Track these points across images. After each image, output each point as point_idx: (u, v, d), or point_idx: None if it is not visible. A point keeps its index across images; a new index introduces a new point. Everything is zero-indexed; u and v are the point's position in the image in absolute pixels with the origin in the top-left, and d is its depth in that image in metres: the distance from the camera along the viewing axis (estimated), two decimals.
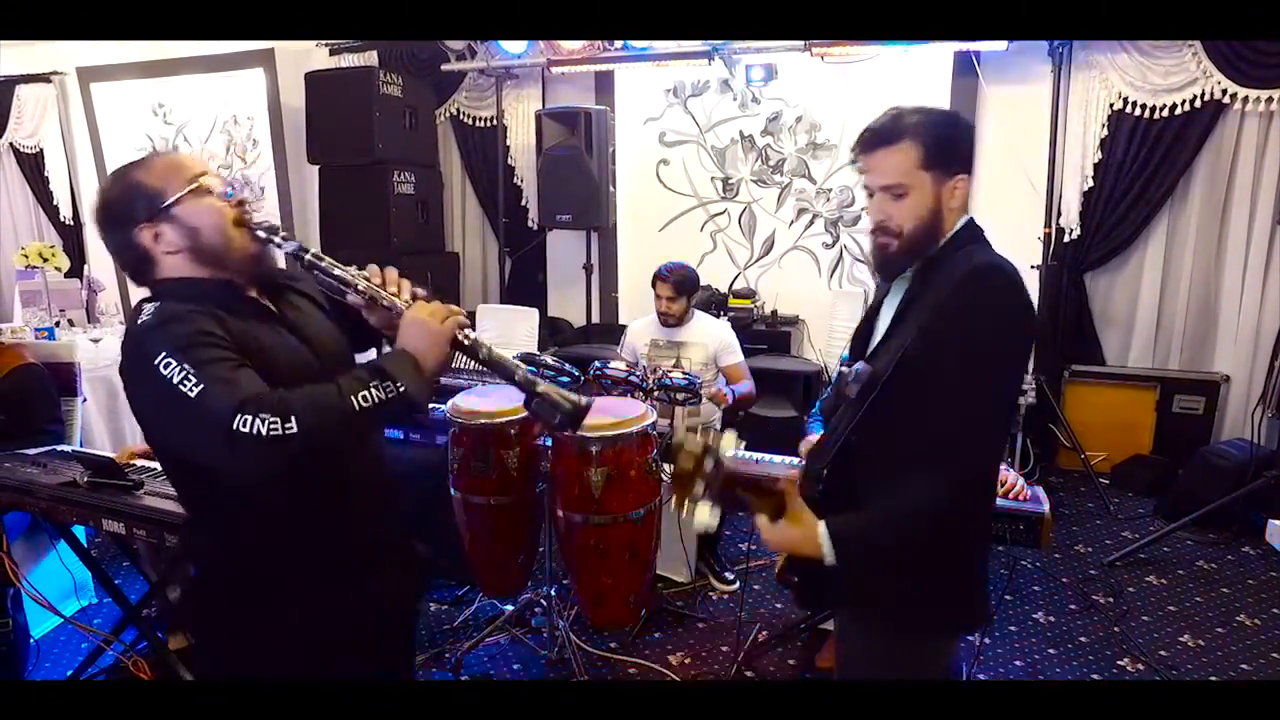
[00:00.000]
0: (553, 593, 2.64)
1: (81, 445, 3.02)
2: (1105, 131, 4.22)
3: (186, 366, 1.14)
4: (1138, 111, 4.13)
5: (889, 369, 1.30)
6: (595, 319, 5.41)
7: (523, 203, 5.52)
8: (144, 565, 2.52)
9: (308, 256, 1.32)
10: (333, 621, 1.35)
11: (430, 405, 2.75)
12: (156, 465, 2.39)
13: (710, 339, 3.40)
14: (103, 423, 3.71)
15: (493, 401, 2.53)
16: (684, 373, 2.83)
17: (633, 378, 2.84)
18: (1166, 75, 4.03)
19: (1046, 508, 2.15)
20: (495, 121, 5.32)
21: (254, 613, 1.33)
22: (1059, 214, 4.31)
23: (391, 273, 1.37)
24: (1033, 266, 4.06)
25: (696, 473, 1.25)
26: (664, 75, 5.05)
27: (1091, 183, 4.28)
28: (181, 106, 6.15)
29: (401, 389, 1.20)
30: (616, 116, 5.13)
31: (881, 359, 1.36)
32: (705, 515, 1.25)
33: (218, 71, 5.86)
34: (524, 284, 5.64)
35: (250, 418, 1.10)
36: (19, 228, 7.10)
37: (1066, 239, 4.35)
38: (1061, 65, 4.12)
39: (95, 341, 4.04)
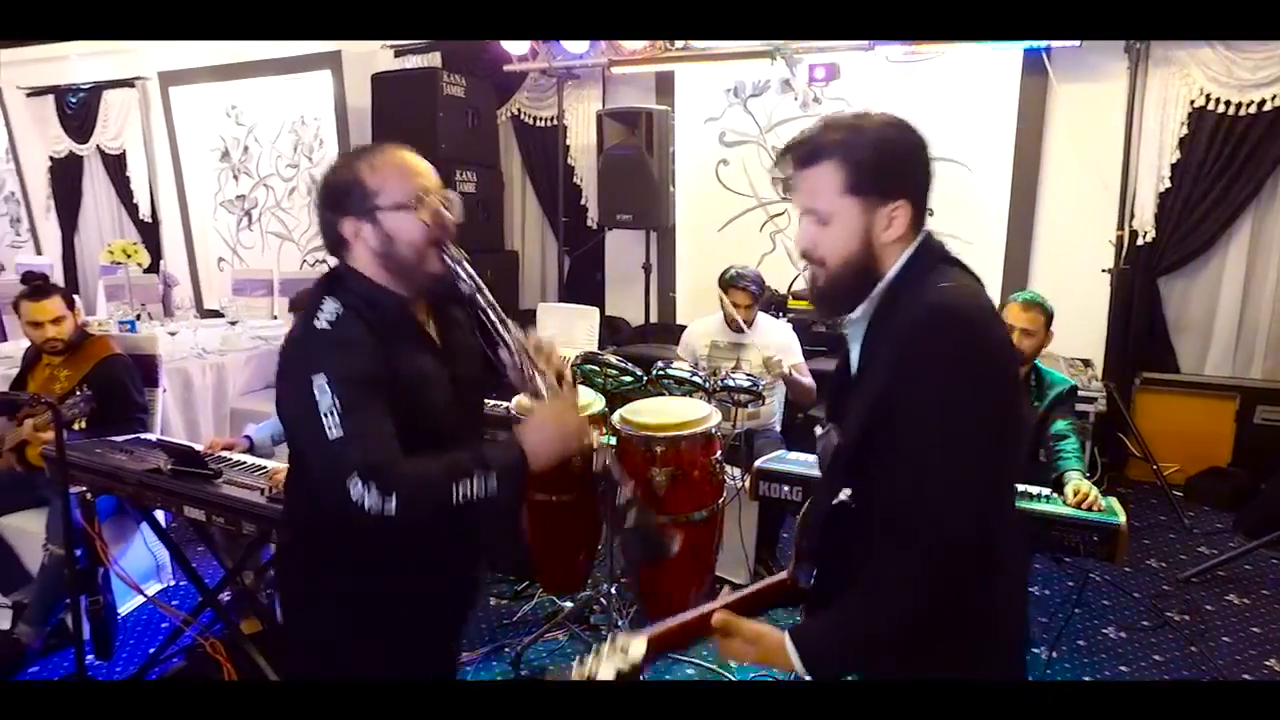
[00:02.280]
0: (613, 591, 2.66)
1: (161, 433, 3.15)
2: (1185, 130, 4.05)
3: (338, 402, 1.19)
4: (1221, 108, 3.95)
5: (854, 438, 1.14)
6: (653, 319, 5.42)
7: (582, 202, 5.56)
8: (220, 552, 2.61)
9: (480, 299, 1.35)
10: (396, 609, 1.38)
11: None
12: (237, 456, 2.49)
13: (771, 341, 3.37)
14: (178, 413, 3.85)
15: None
16: (747, 374, 2.82)
17: (696, 378, 2.84)
18: (1255, 70, 3.85)
19: (1123, 520, 2.09)
20: (556, 121, 5.37)
21: (327, 584, 1.38)
22: (1132, 216, 4.17)
23: (549, 345, 1.38)
24: (1104, 270, 3.95)
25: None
26: (724, 75, 5.04)
27: (1169, 183, 4.12)
28: (252, 108, 6.37)
29: (495, 493, 1.21)
30: (677, 117, 5.13)
31: (847, 425, 1.19)
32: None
33: (287, 74, 6.05)
34: (582, 283, 5.69)
35: (361, 486, 1.16)
36: (103, 225, 7.43)
37: (1140, 242, 4.20)
38: (1139, 62, 3.99)
39: (171, 334, 4.21)
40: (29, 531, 2.79)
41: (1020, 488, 2.25)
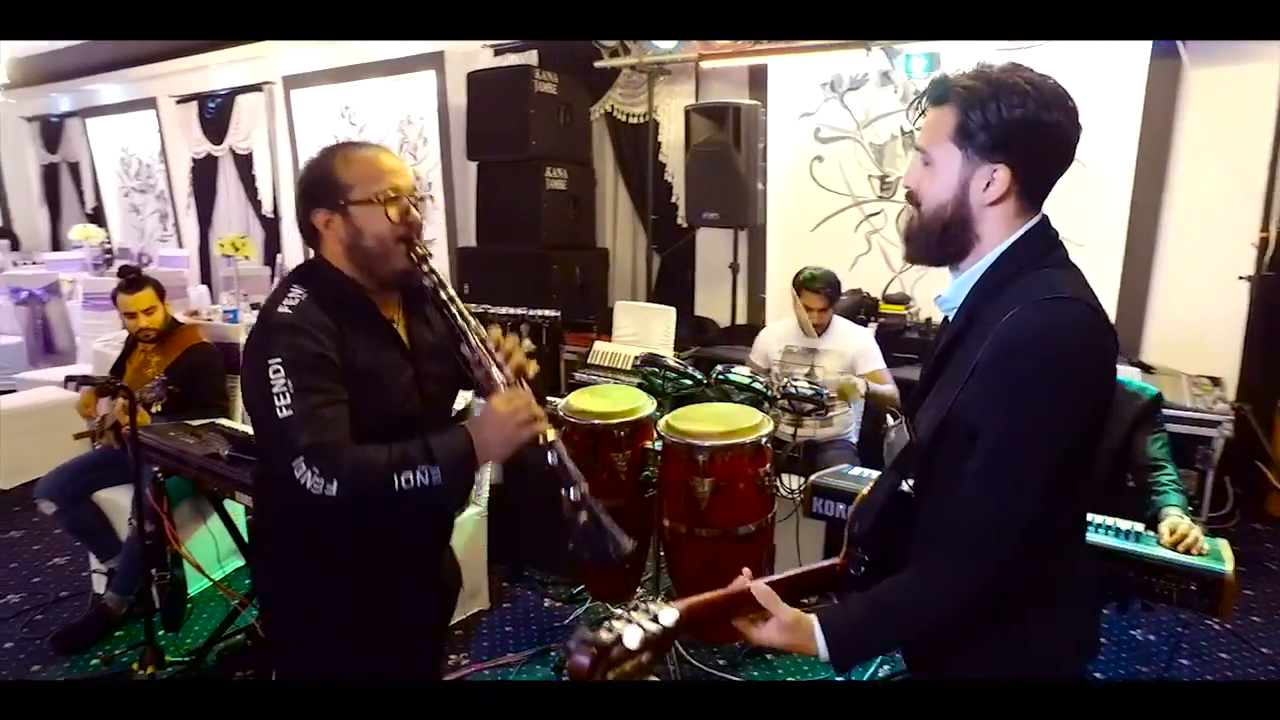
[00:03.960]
0: (660, 598, 2.56)
1: (243, 421, 3.30)
2: None
3: (290, 383, 1.23)
4: None
5: (927, 438, 1.10)
6: (741, 320, 5.27)
7: (673, 200, 5.48)
8: None
9: (442, 295, 1.37)
10: (359, 613, 1.39)
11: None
12: None
13: (849, 346, 3.19)
14: None
15: (606, 401, 2.49)
16: (810, 382, 2.65)
17: (756, 384, 2.71)
18: None
19: (1229, 567, 1.80)
20: (647, 118, 5.31)
21: (298, 569, 1.41)
22: None
23: (510, 342, 1.37)
24: (1241, 277, 3.50)
25: (596, 668, 0.93)
26: (820, 68, 4.82)
27: None
28: (363, 109, 6.64)
29: (439, 483, 1.22)
30: (769, 112, 4.95)
31: (921, 423, 1.15)
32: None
33: (394, 75, 6.26)
34: (672, 282, 5.60)
35: (304, 467, 1.20)
36: (233, 220, 7.98)
37: None
38: None
39: None
40: (123, 505, 2.97)
41: (1108, 521, 2.01)
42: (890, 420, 2.86)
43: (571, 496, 1.25)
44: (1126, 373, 2.72)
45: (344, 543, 1.36)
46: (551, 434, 1.29)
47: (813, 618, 1.06)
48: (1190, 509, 2.16)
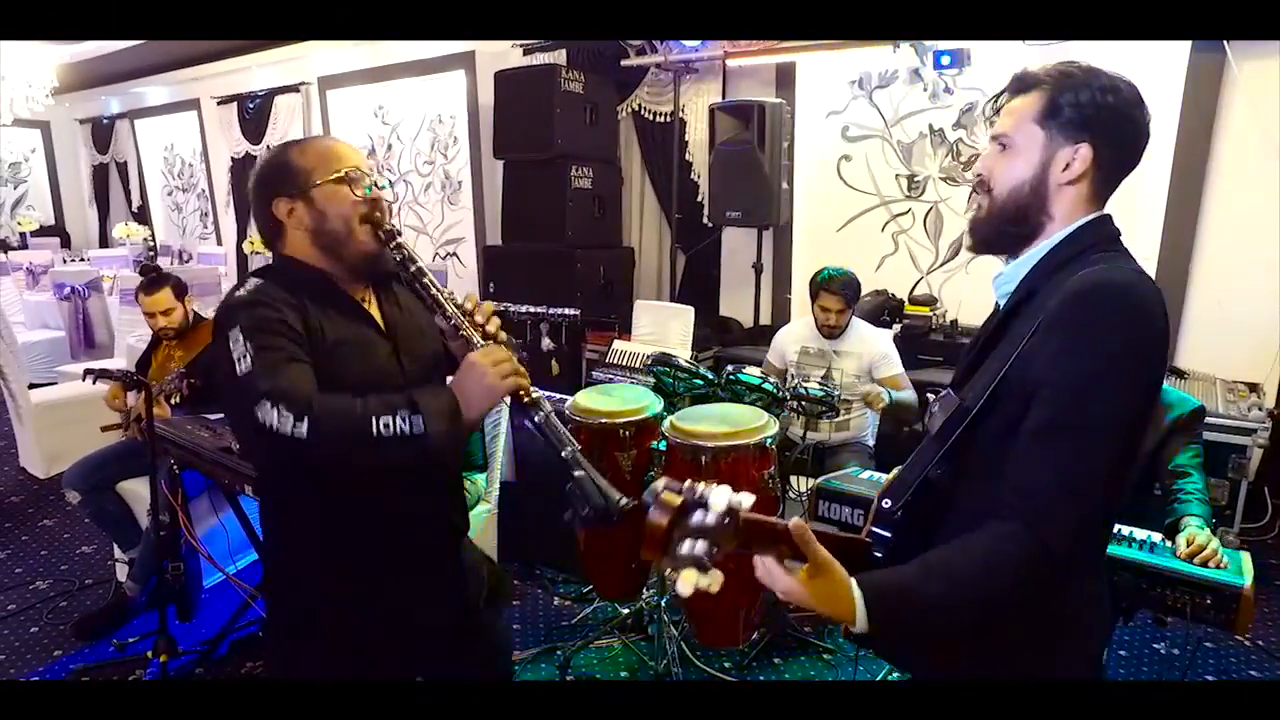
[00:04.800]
0: (663, 603, 2.54)
1: None
2: None
3: (248, 345, 1.21)
4: None
5: (979, 401, 1.06)
6: (765, 320, 5.22)
7: (699, 199, 5.44)
8: None
9: (411, 269, 1.36)
10: (357, 615, 1.37)
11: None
12: None
13: (866, 349, 3.13)
14: None
15: (612, 401, 2.47)
16: (820, 383, 2.61)
17: (767, 385, 2.67)
18: None
19: (1248, 581, 1.73)
20: (673, 116, 5.28)
21: (300, 585, 1.40)
22: None
23: (486, 307, 1.38)
24: None
25: (674, 528, 0.90)
26: (848, 66, 4.75)
27: None
28: (396, 108, 6.73)
29: (421, 431, 1.18)
30: (797, 110, 4.90)
31: (973, 388, 1.11)
32: (691, 582, 0.89)
33: (426, 75, 6.33)
34: (697, 281, 5.58)
35: (270, 408, 1.15)
36: None
37: None
38: None
39: None
40: (145, 496, 3.04)
41: (1121, 529, 1.94)
42: (886, 399, 2.78)
43: (564, 455, 1.24)
44: (1180, 387, 2.63)
45: (349, 535, 1.34)
46: (535, 392, 1.27)
47: (851, 580, 0.97)
48: (1214, 521, 2.08)
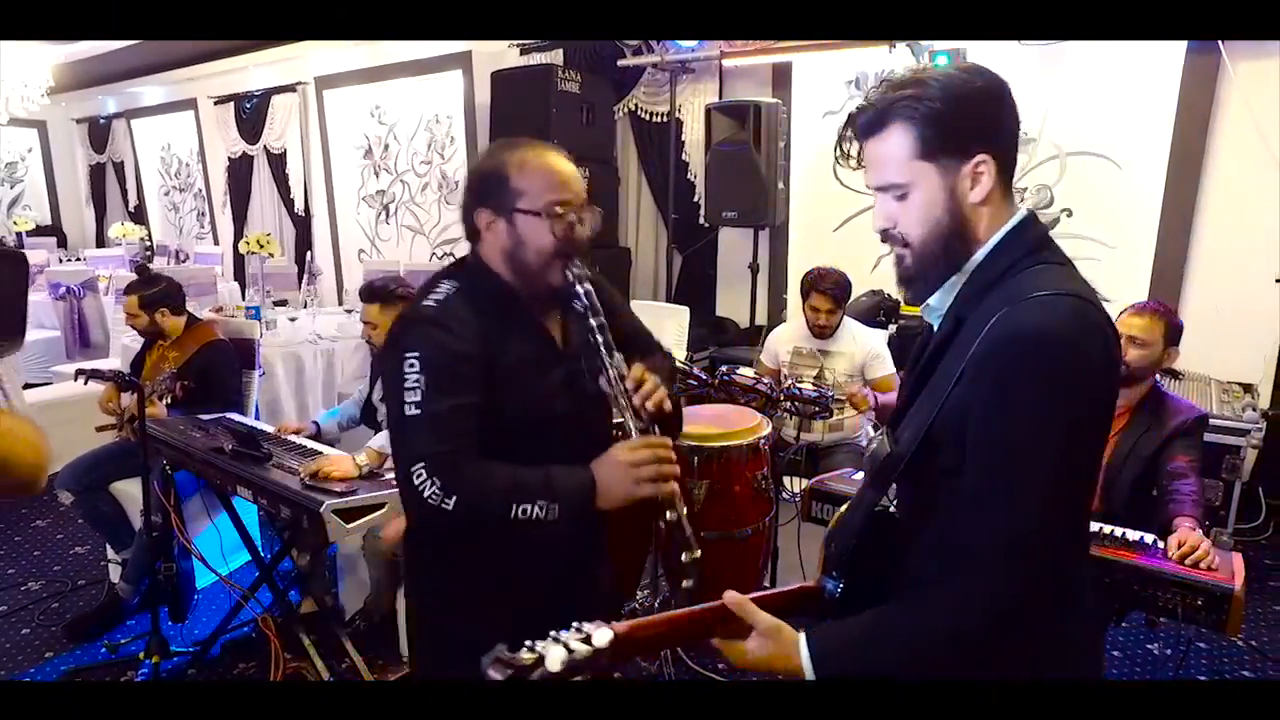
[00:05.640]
0: (656, 605, 2.54)
1: (258, 416, 3.35)
2: None
3: (424, 381, 1.21)
4: None
5: (909, 448, 1.02)
6: (761, 320, 5.22)
7: (695, 199, 5.44)
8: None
9: (592, 321, 1.32)
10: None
11: None
12: (300, 440, 2.59)
13: (858, 349, 3.13)
14: (291, 396, 4.10)
15: None
16: (814, 383, 2.61)
17: (760, 385, 2.66)
18: None
19: (1239, 583, 1.73)
20: (669, 116, 5.28)
21: (436, 568, 1.41)
22: None
23: (651, 382, 1.33)
24: (1278, 280, 3.36)
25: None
26: (845, 66, 4.75)
27: None
28: (393, 108, 6.72)
29: (555, 519, 1.21)
30: (793, 110, 4.90)
31: (905, 430, 1.07)
32: None
33: (423, 75, 6.32)
34: (695, 282, 5.57)
35: (424, 474, 1.18)
36: (265, 219, 8.13)
37: None
38: None
39: (291, 320, 4.48)
40: (138, 497, 3.02)
41: (1113, 530, 1.94)
42: (871, 431, 2.79)
43: (683, 558, 1.24)
44: (1173, 388, 2.63)
45: (476, 556, 1.34)
46: (675, 498, 1.25)
47: (798, 632, 0.98)
48: (1207, 522, 2.08)
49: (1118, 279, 3.74)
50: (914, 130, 0.98)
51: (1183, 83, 3.74)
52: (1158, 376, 2.34)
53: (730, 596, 0.98)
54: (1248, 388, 3.34)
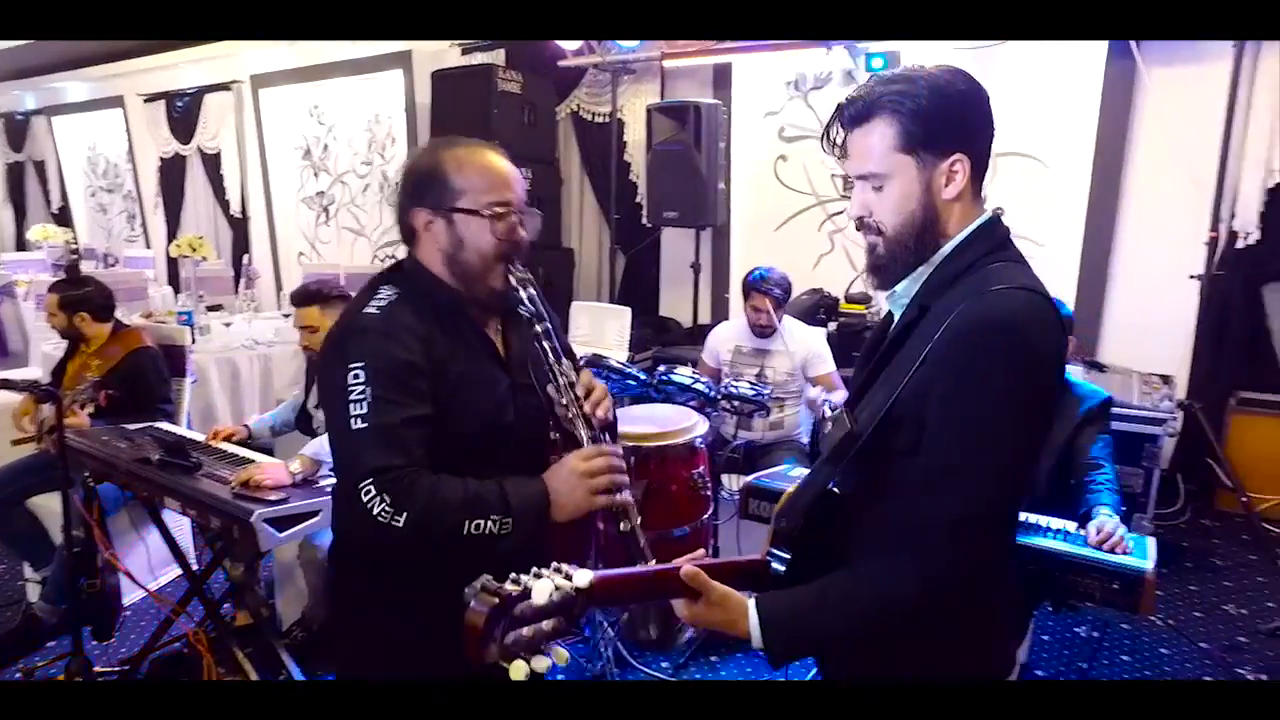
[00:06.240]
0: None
1: (190, 424, 3.25)
2: None
3: (369, 392, 1.16)
4: None
5: (868, 428, 1.05)
6: (705, 319, 5.26)
7: (637, 199, 5.46)
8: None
9: (538, 327, 1.30)
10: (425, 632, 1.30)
11: None
12: (230, 448, 2.52)
13: (798, 347, 3.17)
14: (227, 402, 3.99)
15: None
16: (750, 383, 2.64)
17: (698, 385, 2.69)
18: None
19: (1150, 565, 1.81)
20: (611, 117, 5.29)
21: (369, 595, 1.35)
22: (1232, 215, 3.70)
23: (597, 392, 1.33)
24: (1192, 276, 3.52)
25: (492, 624, 0.85)
26: (784, 67, 4.82)
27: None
28: (332, 108, 6.59)
29: (509, 532, 1.18)
30: (734, 111, 4.95)
31: (864, 410, 1.11)
32: (522, 672, 0.85)
33: (362, 74, 6.21)
34: (638, 282, 5.60)
35: (373, 490, 1.13)
36: (200, 221, 7.89)
37: (1240, 244, 3.72)
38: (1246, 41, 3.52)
39: (226, 325, 4.36)
40: (59, 511, 2.91)
41: (1037, 519, 2.01)
42: (829, 411, 2.83)
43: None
44: (1078, 374, 2.72)
45: (416, 567, 1.28)
46: (629, 509, 1.25)
47: (748, 598, 1.01)
48: (1124, 509, 2.17)
49: (1047, 276, 3.84)
50: (898, 124, 1.03)
51: (1104, 89, 3.90)
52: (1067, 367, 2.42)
53: (686, 570, 1.00)
54: (1166, 379, 3.49)
